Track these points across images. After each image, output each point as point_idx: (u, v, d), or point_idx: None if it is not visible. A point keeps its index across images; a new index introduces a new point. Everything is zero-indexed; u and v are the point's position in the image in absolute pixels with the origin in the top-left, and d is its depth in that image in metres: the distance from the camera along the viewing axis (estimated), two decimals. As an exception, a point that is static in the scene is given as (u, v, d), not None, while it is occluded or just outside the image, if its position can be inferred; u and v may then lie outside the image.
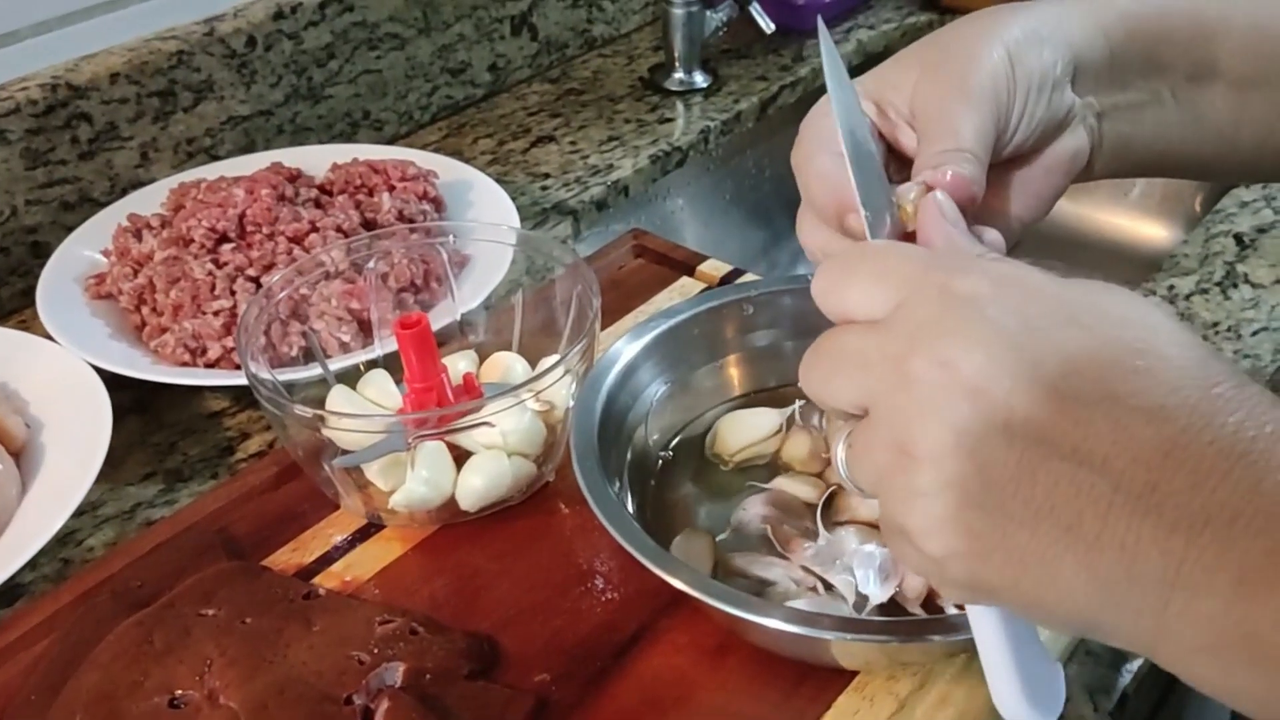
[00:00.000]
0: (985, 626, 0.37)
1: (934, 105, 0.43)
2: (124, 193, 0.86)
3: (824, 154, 0.43)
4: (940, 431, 0.32)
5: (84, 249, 0.80)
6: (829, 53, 0.43)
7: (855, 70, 0.44)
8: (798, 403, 0.62)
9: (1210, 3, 0.48)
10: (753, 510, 0.57)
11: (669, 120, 1.05)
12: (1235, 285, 0.78)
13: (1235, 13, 0.48)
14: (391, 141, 1.02)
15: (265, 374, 0.61)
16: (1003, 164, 0.46)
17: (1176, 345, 0.32)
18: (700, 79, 1.10)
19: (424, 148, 0.97)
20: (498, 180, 0.87)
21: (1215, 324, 0.74)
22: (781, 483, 0.59)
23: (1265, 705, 0.31)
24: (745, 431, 0.61)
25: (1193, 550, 0.30)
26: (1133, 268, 1.06)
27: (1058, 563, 0.32)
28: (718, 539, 0.57)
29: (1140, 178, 0.52)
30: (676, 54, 1.09)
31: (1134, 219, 1.09)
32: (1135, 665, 0.53)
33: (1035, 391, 0.32)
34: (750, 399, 0.64)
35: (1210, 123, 0.49)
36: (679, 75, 1.09)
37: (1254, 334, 0.73)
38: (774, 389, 0.64)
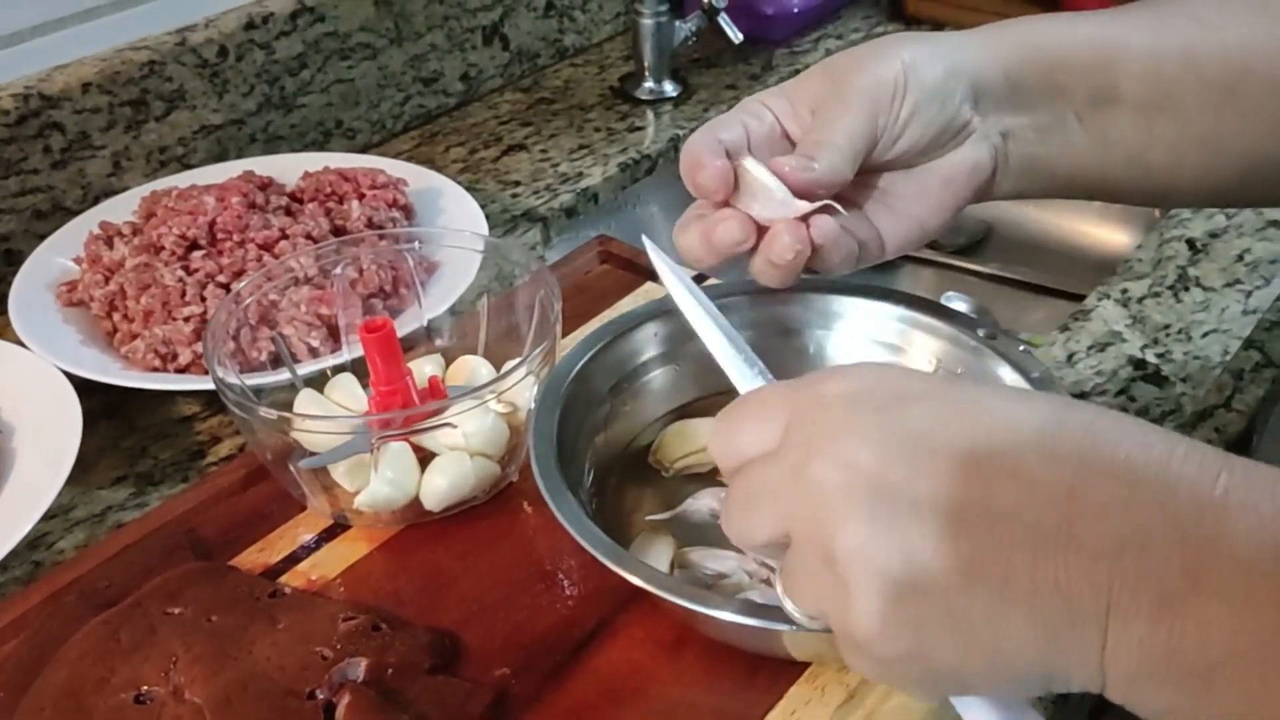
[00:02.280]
0: (974, 714, 0.37)
1: (819, 104, 0.49)
2: (96, 201, 0.87)
3: (708, 153, 0.49)
4: (855, 527, 0.33)
5: (56, 256, 0.81)
6: (666, 266, 0.51)
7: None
8: None
9: (1109, 30, 0.50)
10: (703, 502, 0.58)
11: (639, 129, 1.07)
12: (1187, 288, 0.80)
13: (1133, 40, 0.50)
14: (364, 150, 1.03)
15: (233, 379, 0.62)
16: (903, 169, 0.51)
17: (1038, 398, 0.35)
18: (670, 88, 1.11)
19: (396, 156, 0.98)
20: (469, 188, 0.88)
21: (1166, 326, 0.76)
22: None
23: None
24: (688, 440, 0.62)
25: (1117, 577, 0.31)
26: (1094, 271, 1.08)
27: (1004, 620, 0.32)
28: (649, 517, 0.57)
29: (1055, 198, 0.54)
30: (646, 63, 1.10)
31: (1096, 223, 1.10)
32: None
33: (932, 467, 0.33)
34: (707, 402, 0.65)
35: (1118, 146, 0.51)
36: (649, 84, 1.11)
37: (1204, 335, 0.75)
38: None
